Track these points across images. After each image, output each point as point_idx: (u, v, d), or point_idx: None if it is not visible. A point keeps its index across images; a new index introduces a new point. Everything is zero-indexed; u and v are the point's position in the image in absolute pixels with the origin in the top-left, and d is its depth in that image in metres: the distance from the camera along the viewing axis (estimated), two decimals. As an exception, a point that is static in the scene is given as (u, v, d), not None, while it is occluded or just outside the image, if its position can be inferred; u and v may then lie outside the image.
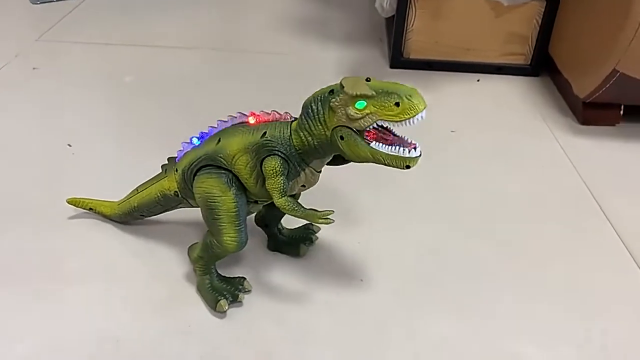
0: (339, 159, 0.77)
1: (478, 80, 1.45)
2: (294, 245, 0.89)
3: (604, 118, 1.26)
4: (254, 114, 0.77)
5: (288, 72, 1.46)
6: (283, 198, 0.73)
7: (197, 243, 0.82)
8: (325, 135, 0.71)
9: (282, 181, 0.73)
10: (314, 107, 0.71)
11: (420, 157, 0.69)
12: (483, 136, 1.23)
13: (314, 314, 0.81)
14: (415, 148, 0.68)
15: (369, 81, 0.68)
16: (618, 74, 1.12)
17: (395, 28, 1.45)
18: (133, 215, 0.91)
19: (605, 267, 0.91)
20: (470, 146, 1.19)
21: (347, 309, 0.82)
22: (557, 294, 0.86)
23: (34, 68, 1.42)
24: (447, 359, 0.75)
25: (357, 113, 0.67)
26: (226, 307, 0.78)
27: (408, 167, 0.69)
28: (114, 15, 1.73)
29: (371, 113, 0.67)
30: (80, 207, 0.95)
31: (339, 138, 0.70)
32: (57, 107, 1.27)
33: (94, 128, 1.21)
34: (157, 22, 1.70)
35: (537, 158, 1.17)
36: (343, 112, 0.68)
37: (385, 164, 0.69)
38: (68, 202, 0.95)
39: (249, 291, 0.82)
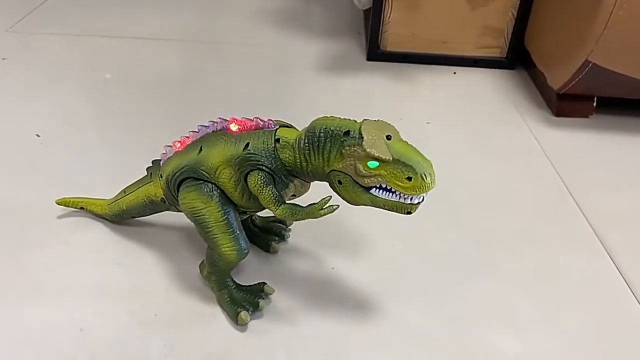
0: None
1: (454, 73, 1.45)
2: (265, 239, 0.87)
3: (578, 110, 1.27)
4: (235, 120, 0.73)
5: (268, 65, 1.46)
6: (280, 207, 0.69)
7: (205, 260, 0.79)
8: (322, 170, 0.67)
9: (271, 191, 0.69)
10: (321, 138, 0.66)
11: (423, 203, 0.65)
12: (458, 128, 1.23)
13: (283, 303, 0.80)
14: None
15: (389, 139, 0.64)
16: (590, 64, 1.12)
17: (371, 20, 1.45)
18: (123, 217, 0.89)
19: (578, 255, 0.91)
20: (446, 138, 1.19)
21: (320, 300, 0.81)
22: (530, 283, 0.86)
23: (3, 58, 1.39)
24: (420, 348, 0.75)
25: (366, 171, 0.63)
26: (248, 319, 0.75)
27: (409, 212, 0.65)
28: (90, 6, 1.71)
29: (380, 175, 0.63)
30: (70, 207, 0.92)
31: (336, 182, 0.66)
32: (26, 99, 1.25)
33: (65, 120, 1.18)
34: (136, 14, 1.68)
35: (511, 149, 1.17)
36: (352, 163, 0.64)
37: (385, 209, 0.66)
38: (57, 203, 0.92)
39: (270, 297, 0.79)
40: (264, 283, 0.80)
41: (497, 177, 1.08)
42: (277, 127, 0.71)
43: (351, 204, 0.68)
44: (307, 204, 0.69)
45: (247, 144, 0.70)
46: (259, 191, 0.69)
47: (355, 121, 0.67)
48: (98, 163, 1.05)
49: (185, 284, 0.82)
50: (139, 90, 1.31)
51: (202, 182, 0.73)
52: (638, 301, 0.83)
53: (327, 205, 0.68)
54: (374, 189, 0.65)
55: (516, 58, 1.47)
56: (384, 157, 0.62)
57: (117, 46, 1.50)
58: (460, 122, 1.25)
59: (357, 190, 0.65)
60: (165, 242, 0.89)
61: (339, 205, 0.68)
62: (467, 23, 1.43)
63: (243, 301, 0.77)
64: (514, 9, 1.40)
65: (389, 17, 1.43)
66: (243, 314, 0.75)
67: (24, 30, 1.55)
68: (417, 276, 0.85)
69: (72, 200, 0.92)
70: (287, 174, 0.70)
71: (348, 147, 0.64)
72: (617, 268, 0.89)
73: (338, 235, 0.92)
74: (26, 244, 0.87)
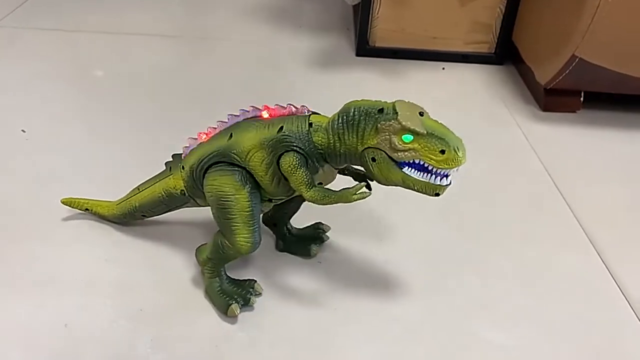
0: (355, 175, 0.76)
1: (443, 69, 1.45)
2: (304, 245, 0.86)
3: (565, 105, 1.27)
4: (268, 107, 0.73)
5: (258, 60, 1.45)
6: (311, 190, 0.70)
7: (205, 244, 0.79)
8: (355, 149, 0.68)
9: (304, 173, 0.69)
10: (356, 116, 0.67)
11: (450, 186, 0.67)
12: (446, 123, 1.21)
13: (272, 298, 0.80)
14: (447, 176, 0.66)
15: (422, 115, 0.66)
16: (577, 59, 1.13)
17: (360, 16, 1.45)
18: (134, 216, 0.87)
19: (565, 249, 0.92)
20: (434, 132, 1.19)
21: (308, 294, 0.81)
22: (516, 276, 0.86)
23: (-10, 53, 1.39)
24: (409, 340, 0.75)
25: (401, 145, 0.65)
26: (238, 312, 0.75)
27: (437, 194, 0.67)
28: (79, 2, 1.69)
29: (414, 149, 0.65)
30: (75, 208, 0.91)
31: (370, 159, 0.67)
32: (12, 94, 1.24)
33: (52, 116, 1.17)
34: (126, 9, 1.67)
35: (498, 144, 1.18)
36: (387, 138, 0.65)
37: (415, 190, 0.67)
38: (62, 202, 0.90)
39: (260, 294, 0.79)
40: (254, 281, 0.80)
41: (484, 171, 1.08)
42: (311, 113, 0.72)
43: (382, 183, 0.69)
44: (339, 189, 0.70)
45: (282, 127, 0.70)
46: (292, 172, 0.69)
47: (387, 102, 0.68)
48: (84, 160, 1.05)
49: (172, 279, 0.82)
50: (128, 86, 1.30)
51: (236, 168, 0.72)
52: (623, 294, 0.84)
53: (360, 190, 0.69)
54: (407, 167, 0.66)
55: (504, 54, 1.47)
56: (419, 130, 0.64)
57: (105, 42, 1.49)
58: (448, 118, 1.23)
59: (390, 167, 0.66)
60: (151, 237, 0.88)
61: (371, 192, 0.70)
62: (456, 19, 1.43)
63: (234, 294, 0.77)
64: (502, 4, 1.41)
65: (378, 12, 1.43)
66: (234, 306, 0.75)
67: (10, 25, 1.53)
68: (404, 268, 0.86)
69: (77, 200, 0.90)
70: (319, 157, 0.71)
71: (383, 122, 0.65)
72: (603, 262, 0.90)
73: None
74: (9, 239, 0.87)
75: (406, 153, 0.65)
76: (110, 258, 0.84)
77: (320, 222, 0.90)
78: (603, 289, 0.85)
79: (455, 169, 0.65)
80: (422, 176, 0.66)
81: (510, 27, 1.43)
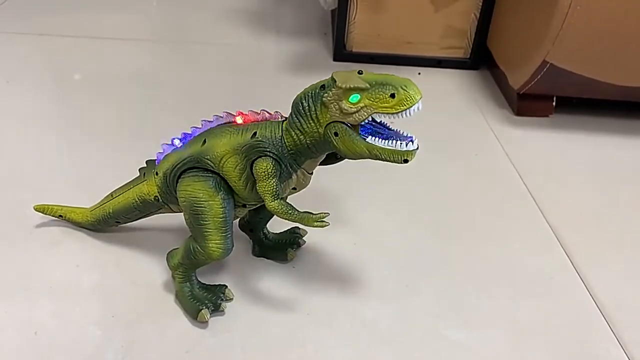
0: (332, 158, 0.75)
1: (419, 74, 1.47)
2: (281, 250, 0.87)
3: (538, 109, 1.29)
4: (241, 113, 0.74)
5: (236, 65, 1.45)
6: (276, 201, 0.70)
7: (176, 249, 0.79)
8: (318, 133, 0.68)
9: (274, 184, 0.70)
10: (305, 104, 0.68)
11: (418, 150, 0.66)
12: (421, 127, 1.23)
13: (243, 302, 0.80)
14: (412, 141, 0.65)
15: (361, 74, 0.65)
16: (548, 65, 1.15)
17: (337, 21, 1.46)
18: (108, 222, 0.86)
19: (535, 252, 0.93)
20: (409, 137, 1.20)
21: (279, 298, 0.81)
22: (486, 278, 0.87)
23: (-37, 58, 1.37)
24: (378, 343, 0.76)
25: (351, 107, 0.64)
26: (208, 317, 0.75)
27: (406, 161, 0.65)
28: (54, 5, 1.68)
29: (366, 106, 0.64)
30: (48, 214, 0.90)
31: (332, 135, 0.67)
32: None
33: (25, 121, 1.17)
34: (102, 12, 1.66)
35: (472, 148, 1.19)
36: (336, 106, 0.65)
37: (382, 159, 0.66)
38: (36, 209, 0.89)
39: (231, 299, 0.79)
40: (225, 286, 0.80)
41: (458, 175, 1.10)
42: (284, 119, 0.73)
43: (351, 158, 0.69)
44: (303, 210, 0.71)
45: (255, 132, 0.71)
46: (264, 178, 0.70)
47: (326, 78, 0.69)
48: (58, 166, 1.04)
49: (144, 285, 0.81)
50: (104, 91, 1.29)
51: (209, 174, 0.73)
52: (591, 295, 0.86)
53: (321, 219, 0.70)
54: (370, 136, 0.66)
55: (479, 59, 1.49)
56: (361, 86, 0.64)
57: (83, 46, 1.48)
58: (423, 122, 1.25)
59: (353, 138, 0.66)
60: (124, 243, 0.88)
61: (329, 223, 0.70)
62: (431, 24, 1.45)
63: (204, 299, 0.77)
64: (476, 10, 1.43)
65: (354, 17, 1.44)
66: (204, 311, 0.75)
67: (-16, 30, 1.52)
68: (379, 273, 0.86)
69: (50, 207, 0.89)
70: (292, 162, 0.71)
71: (327, 95, 0.66)
72: (572, 264, 0.91)
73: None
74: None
75: (360, 112, 0.64)
76: (83, 264, 0.84)
77: (296, 227, 0.90)
78: (572, 290, 0.87)
79: (413, 107, 0.63)
80: (387, 144, 0.66)
81: (485, 32, 1.45)
